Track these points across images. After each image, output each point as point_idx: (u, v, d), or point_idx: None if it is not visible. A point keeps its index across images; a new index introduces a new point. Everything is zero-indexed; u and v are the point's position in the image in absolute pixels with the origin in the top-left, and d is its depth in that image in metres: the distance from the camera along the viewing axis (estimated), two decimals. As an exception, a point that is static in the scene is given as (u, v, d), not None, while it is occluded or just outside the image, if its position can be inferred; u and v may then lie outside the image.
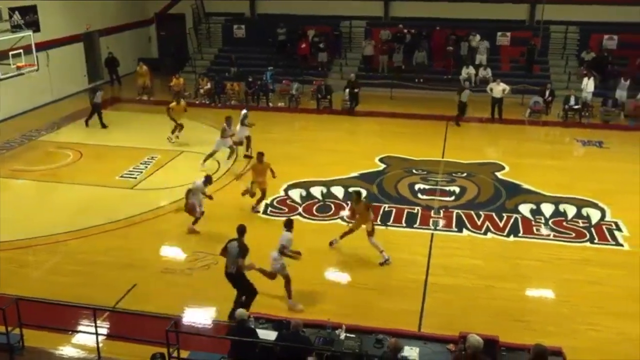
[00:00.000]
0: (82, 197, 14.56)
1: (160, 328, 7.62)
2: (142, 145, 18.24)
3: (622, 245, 12.29)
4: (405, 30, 25.87)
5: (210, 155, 16.37)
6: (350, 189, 13.87)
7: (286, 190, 14.81)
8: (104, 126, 20.10)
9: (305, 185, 15.08)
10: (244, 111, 17.20)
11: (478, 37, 25.03)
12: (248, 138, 17.00)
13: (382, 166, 16.48)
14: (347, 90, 22.19)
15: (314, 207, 13.96)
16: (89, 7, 24.65)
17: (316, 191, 14.81)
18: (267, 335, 7.80)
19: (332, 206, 14.00)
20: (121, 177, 15.82)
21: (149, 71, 24.38)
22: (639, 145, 18.63)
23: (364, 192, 13.80)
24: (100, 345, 8.40)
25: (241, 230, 9.66)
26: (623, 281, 10.85)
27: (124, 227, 13.00)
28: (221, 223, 12.96)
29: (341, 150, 17.82)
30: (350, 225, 12.05)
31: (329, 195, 14.62)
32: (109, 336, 9.05)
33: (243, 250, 9.31)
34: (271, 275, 10.03)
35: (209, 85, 23.42)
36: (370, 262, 11.49)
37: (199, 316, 9.86)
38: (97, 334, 8.31)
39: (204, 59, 27.30)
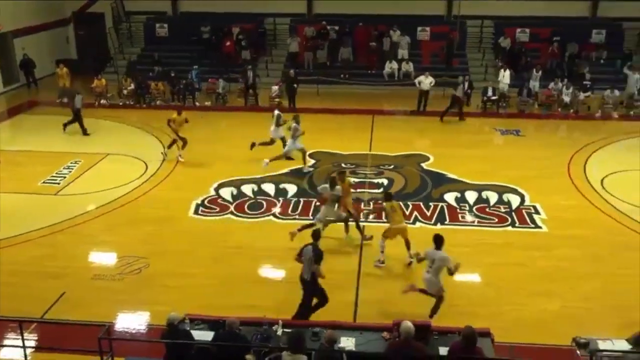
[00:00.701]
0: (3, 205, 13.84)
1: (92, 336, 7.36)
2: (63, 149, 17.55)
3: (540, 227, 12.88)
4: (329, 27, 26.09)
5: (281, 157, 15.89)
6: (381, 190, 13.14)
7: (217, 190, 14.63)
8: (85, 133, 18.99)
9: (236, 184, 14.94)
10: (277, 112, 16.88)
11: (399, 32, 25.54)
12: (283, 139, 16.59)
13: (312, 162, 16.55)
14: (285, 86, 22.14)
15: (246, 205, 13.86)
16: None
17: (247, 189, 14.71)
18: (203, 336, 7.68)
19: (264, 203, 13.94)
20: (44, 183, 15.17)
21: (69, 73, 23.43)
22: (553, 132, 19.66)
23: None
24: (29, 358, 8.03)
25: (316, 235, 9.45)
26: (542, 262, 11.39)
27: (49, 234, 12.47)
28: (151, 226, 12.70)
29: (271, 147, 17.74)
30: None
31: (260, 192, 14.55)
32: (37, 348, 8.67)
33: (317, 256, 9.08)
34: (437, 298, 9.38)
35: (132, 86, 22.78)
36: (302, 257, 11.52)
37: (132, 321, 9.60)
38: (24, 346, 7.93)
39: (126, 59, 26.50)
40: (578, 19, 26.35)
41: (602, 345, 7.85)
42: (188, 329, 7.72)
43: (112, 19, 27.71)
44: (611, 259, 11.55)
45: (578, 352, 8.01)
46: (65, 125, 19.00)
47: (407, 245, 11.21)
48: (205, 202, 14.00)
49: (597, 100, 21.74)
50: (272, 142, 16.62)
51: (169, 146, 16.78)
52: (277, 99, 22.59)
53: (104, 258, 11.63)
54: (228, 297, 10.04)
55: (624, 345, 7.56)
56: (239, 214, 13.45)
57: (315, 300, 9.29)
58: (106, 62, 26.59)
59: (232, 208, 13.72)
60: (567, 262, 11.39)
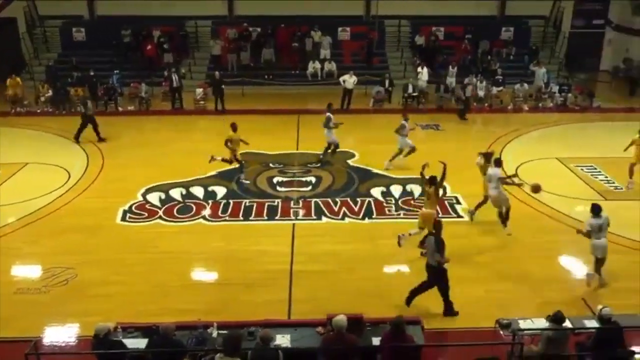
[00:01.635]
0: None
1: (19, 352, 7.00)
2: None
3: (462, 216, 13.33)
4: (251, 29, 25.94)
5: (397, 155, 16.08)
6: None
7: (144, 195, 14.24)
8: (101, 139, 18.15)
9: (164, 188, 14.60)
10: (328, 114, 16.44)
11: (320, 33, 25.73)
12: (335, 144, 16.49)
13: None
14: (212, 88, 21.81)
15: (175, 209, 13.57)
16: None
17: (175, 193, 14.40)
18: (137, 343, 7.48)
19: (193, 207, 13.70)
20: (-42, 196, 14.28)
21: (22, 82, 22.09)
22: (469, 125, 20.33)
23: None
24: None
25: (437, 225, 9.62)
26: (465, 249, 11.71)
27: (-34, 250, 11.75)
28: (76, 235, 12.21)
29: (197, 149, 17.43)
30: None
31: (189, 196, 14.28)
32: (-41, 370, 8.17)
33: (440, 245, 9.28)
34: None
35: (50, 92, 21.80)
36: (234, 258, 11.43)
37: (61, 334, 9.19)
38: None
39: (42, 65, 25.30)
40: (488, 17, 27.47)
41: (523, 324, 8.24)
42: (120, 338, 7.48)
43: (26, 23, 26.38)
44: (528, 243, 12.10)
45: (502, 332, 8.37)
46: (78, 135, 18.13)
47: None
48: (133, 208, 13.60)
49: (508, 94, 22.73)
50: (329, 146, 16.47)
51: (225, 160, 15.34)
52: (202, 102, 22.27)
53: (27, 271, 11.04)
54: (161, 303, 9.81)
55: (543, 323, 7.95)
56: (168, 219, 13.15)
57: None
58: (21, 68, 25.29)
59: (160, 213, 13.39)
60: (488, 249, 11.85)
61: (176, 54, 25.27)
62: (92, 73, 22.10)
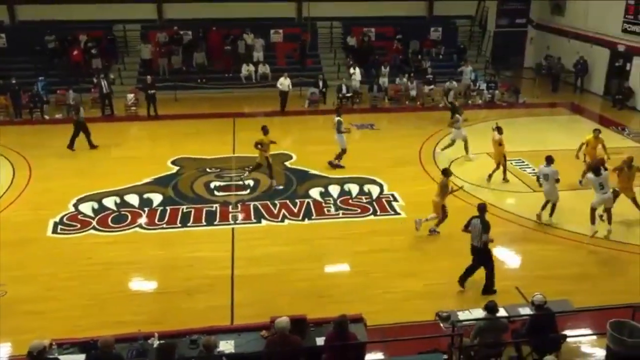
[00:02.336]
0: None
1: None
2: None
3: (400, 213, 13.57)
4: (182, 32, 25.52)
5: (449, 145, 16.92)
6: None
7: (76, 205, 13.74)
8: (93, 146, 17.58)
9: (97, 197, 14.14)
10: (337, 118, 16.07)
11: (252, 35, 25.62)
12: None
13: (176, 168, 16.12)
14: (144, 93, 21.32)
15: (109, 219, 13.17)
16: None
17: (109, 202, 13.98)
18: (75, 359, 7.21)
19: (129, 215, 13.34)
20: None
21: None
22: (403, 124, 20.70)
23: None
24: None
25: (482, 208, 10.23)
26: (404, 245, 12.04)
27: None
28: (4, 250, 11.64)
29: (131, 156, 17.05)
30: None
31: (123, 204, 13.89)
32: None
33: (486, 226, 9.93)
34: None
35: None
36: (173, 265, 11.21)
37: (-9, 355, 8.76)
38: None
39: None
40: (417, 18, 28.10)
41: (462, 316, 8.48)
42: (56, 355, 7.20)
43: (-61, 29, 25.00)
44: (462, 236, 12.37)
45: (442, 325, 8.57)
46: (71, 143, 17.52)
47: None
48: (64, 219, 13.10)
49: (439, 92, 23.30)
50: (343, 152, 16.22)
51: (258, 165, 15.18)
52: (133, 108, 21.73)
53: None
54: (98, 316, 9.50)
55: (480, 313, 8.19)
56: (103, 229, 12.75)
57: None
58: None
59: (94, 223, 12.97)
60: (426, 244, 12.13)
61: (105, 59, 24.53)
62: (13, 81, 21.11)
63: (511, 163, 16.40)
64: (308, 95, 22.93)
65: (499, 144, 15.00)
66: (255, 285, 10.59)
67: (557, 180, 12.72)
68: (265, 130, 15.01)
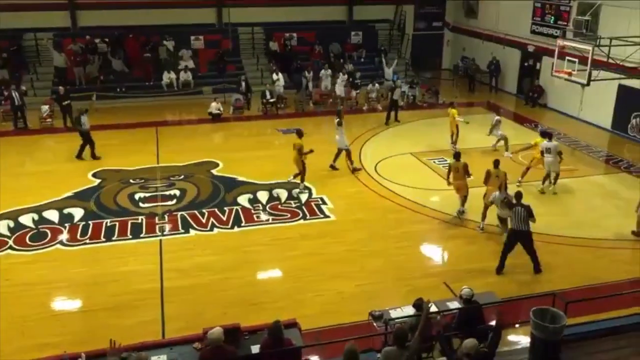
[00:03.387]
0: None
1: None
2: None
3: (329, 216, 13.69)
4: (98, 40, 24.71)
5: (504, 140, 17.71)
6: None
7: (-10, 225, 13.03)
8: (96, 157, 17.16)
9: (13, 215, 13.43)
10: (337, 119, 16.36)
11: (173, 42, 25.18)
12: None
13: (97, 181, 15.58)
14: (58, 104, 20.43)
15: (27, 237, 12.55)
16: None
17: (26, 219, 13.32)
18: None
19: (48, 232, 12.76)
20: None
21: None
22: (330, 127, 20.73)
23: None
24: None
25: (519, 195, 11.23)
26: (335, 247, 12.15)
27: None
28: None
29: (48, 171, 16.32)
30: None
31: (42, 221, 13.27)
32: None
33: (530, 212, 10.88)
34: None
35: None
36: (99, 282, 10.83)
37: None
38: None
39: None
40: (337, 22, 28.47)
41: (394, 314, 8.63)
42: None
43: None
44: (391, 235, 12.73)
45: (375, 324, 8.69)
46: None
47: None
48: (-23, 240, 12.39)
49: (362, 95, 23.69)
50: (345, 152, 16.39)
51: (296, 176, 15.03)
52: (48, 120, 20.84)
53: None
54: (20, 340, 9.04)
55: (411, 311, 8.38)
56: (20, 248, 12.13)
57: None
58: None
59: (10, 242, 12.31)
60: (356, 245, 12.29)
61: (14, 70, 23.34)
62: None
63: (434, 162, 16.92)
64: (232, 101, 22.75)
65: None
66: (185, 296, 10.39)
67: (560, 153, 14.87)
68: (300, 133, 14.89)
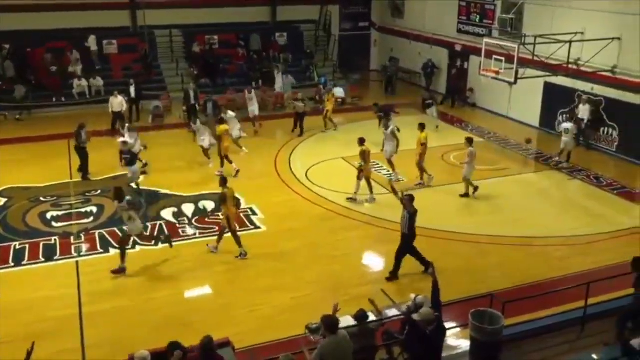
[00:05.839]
0: None
1: None
2: None
3: (260, 227, 13.62)
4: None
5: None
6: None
7: None
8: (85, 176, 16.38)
9: None
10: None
11: (94, 40, 24.58)
12: None
13: (3, 200, 14.86)
14: None
15: None
16: None
17: None
18: None
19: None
20: None
21: None
22: (255, 135, 20.68)
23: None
24: None
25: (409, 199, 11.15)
26: (267, 259, 12.10)
27: None
28: None
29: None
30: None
31: None
32: None
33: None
34: None
35: None
36: (9, 310, 10.26)
37: None
38: None
39: None
40: (261, 24, 28.43)
41: (332, 325, 8.63)
42: None
43: None
44: (325, 243, 12.80)
45: (312, 337, 8.70)
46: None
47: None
48: None
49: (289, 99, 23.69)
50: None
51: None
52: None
53: None
54: None
55: (350, 321, 8.43)
56: None
57: None
58: None
59: None
60: (289, 255, 12.29)
61: None
62: None
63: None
64: (152, 109, 22.26)
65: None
66: (108, 321, 10.06)
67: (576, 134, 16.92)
68: (361, 141, 14.67)
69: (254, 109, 20.59)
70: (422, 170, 15.81)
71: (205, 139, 17.09)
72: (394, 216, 13.79)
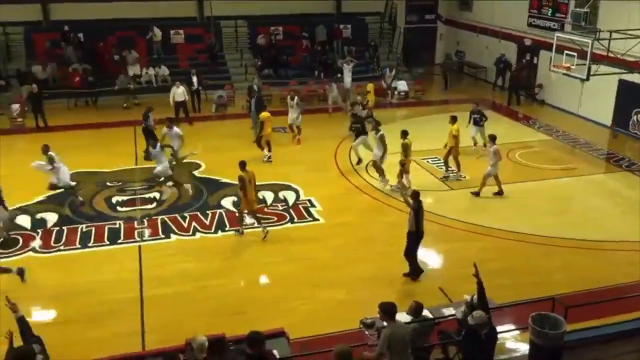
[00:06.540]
0: None
1: None
2: None
3: (318, 219, 13.66)
4: (72, 34, 24.46)
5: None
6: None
7: (-43, 232, 12.85)
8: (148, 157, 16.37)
9: (-19, 221, 13.27)
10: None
11: (159, 31, 25.18)
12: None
13: (72, 184, 15.44)
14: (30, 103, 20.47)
15: (-4, 244, 12.43)
16: None
17: (-4, 225, 13.18)
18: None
19: (19, 238, 12.63)
20: None
21: None
22: (320, 125, 20.69)
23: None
24: None
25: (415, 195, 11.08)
26: (323, 253, 12.13)
27: None
28: None
29: (18, 173, 16.10)
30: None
31: (12, 227, 13.14)
32: None
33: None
34: None
35: None
36: (74, 291, 10.72)
37: None
38: None
39: None
40: (325, 15, 28.44)
41: (386, 321, 8.59)
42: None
43: None
44: (380, 238, 12.72)
45: (366, 332, 8.69)
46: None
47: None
48: (-55, 248, 12.25)
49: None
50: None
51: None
52: (19, 119, 20.65)
53: None
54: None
55: (405, 317, 8.37)
56: (-11, 255, 12.01)
57: None
58: None
59: (-21, 250, 12.19)
60: (345, 249, 12.28)
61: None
62: None
63: (427, 161, 16.94)
64: (215, 99, 22.65)
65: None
66: (167, 306, 10.32)
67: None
68: (405, 134, 14.83)
69: (295, 117, 18.85)
70: (458, 163, 15.86)
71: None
72: (452, 213, 13.71)
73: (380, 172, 15.30)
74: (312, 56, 26.21)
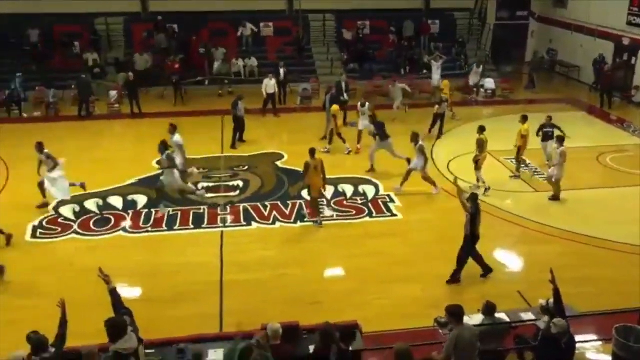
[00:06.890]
0: None
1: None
2: None
3: (396, 215, 13.58)
4: (168, 26, 25.37)
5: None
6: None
7: (56, 208, 13.69)
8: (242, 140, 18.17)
9: (78, 200, 14.05)
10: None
11: (252, 26, 25.64)
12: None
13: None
14: (126, 90, 21.39)
15: (91, 222, 13.13)
16: None
17: (91, 204, 13.93)
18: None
19: (112, 218, 13.30)
20: None
21: None
22: (401, 122, 20.50)
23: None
24: None
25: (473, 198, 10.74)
26: (400, 248, 12.05)
27: None
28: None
29: (113, 157, 16.98)
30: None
31: (106, 207, 13.85)
32: None
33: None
34: None
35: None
36: (158, 271, 11.18)
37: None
38: None
39: None
40: (413, 10, 28.08)
41: (461, 321, 8.44)
42: None
43: None
44: (459, 238, 12.41)
45: (441, 331, 8.58)
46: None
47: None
48: (44, 223, 13.06)
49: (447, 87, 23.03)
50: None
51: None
52: (116, 106, 21.67)
53: None
54: (79, 326, 9.41)
55: (480, 318, 8.20)
56: (84, 233, 12.71)
57: None
58: None
59: (75, 227, 12.92)
60: (422, 246, 12.15)
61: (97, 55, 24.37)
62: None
63: (512, 162, 16.44)
64: (300, 91, 22.91)
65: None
66: (245, 291, 10.57)
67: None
68: (482, 130, 14.89)
69: (365, 123, 17.23)
70: (519, 161, 15.57)
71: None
72: (535, 215, 13.24)
73: (431, 181, 14.73)
74: (399, 51, 25.96)
